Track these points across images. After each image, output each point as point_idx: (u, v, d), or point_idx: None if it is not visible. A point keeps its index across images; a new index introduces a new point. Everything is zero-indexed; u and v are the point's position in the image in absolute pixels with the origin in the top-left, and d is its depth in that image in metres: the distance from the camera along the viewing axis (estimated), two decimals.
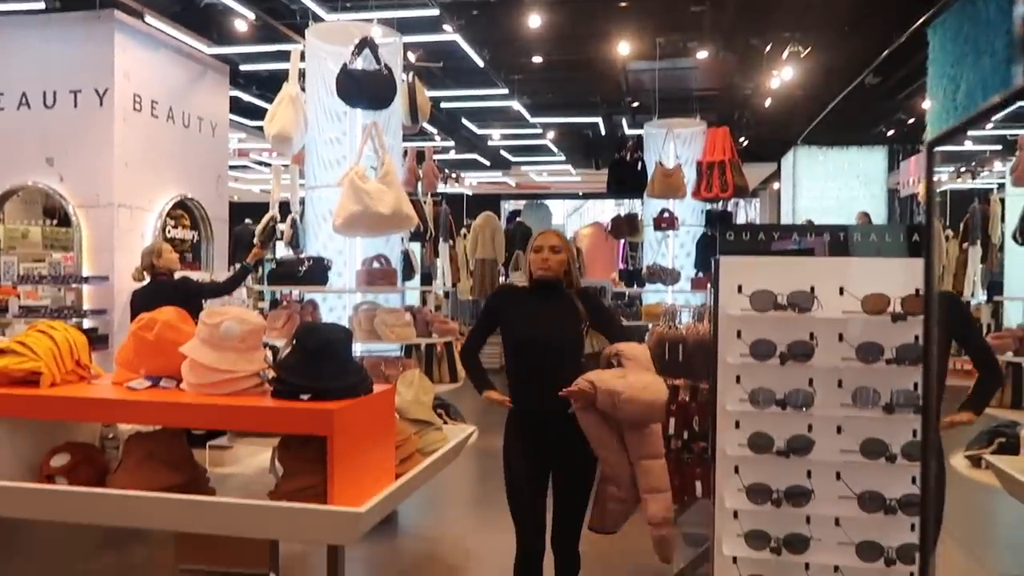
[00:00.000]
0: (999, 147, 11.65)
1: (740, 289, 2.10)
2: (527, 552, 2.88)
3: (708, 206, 9.65)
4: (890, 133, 13.35)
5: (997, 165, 11.33)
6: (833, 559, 1.97)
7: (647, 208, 10.30)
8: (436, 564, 4.32)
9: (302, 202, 5.97)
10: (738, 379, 2.09)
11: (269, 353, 2.45)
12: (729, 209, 10.80)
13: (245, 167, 14.89)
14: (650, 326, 8.07)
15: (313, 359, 2.20)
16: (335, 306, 5.70)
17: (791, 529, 1.99)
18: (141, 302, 4.81)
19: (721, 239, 2.26)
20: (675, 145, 9.30)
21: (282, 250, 7.21)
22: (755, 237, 2.36)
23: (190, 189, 7.05)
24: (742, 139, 13.25)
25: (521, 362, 2.98)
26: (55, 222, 7.03)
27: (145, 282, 5.11)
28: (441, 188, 9.46)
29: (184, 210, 7.13)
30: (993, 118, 8.86)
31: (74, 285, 6.06)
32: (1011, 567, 4.35)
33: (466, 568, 4.30)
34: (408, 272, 6.52)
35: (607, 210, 18.91)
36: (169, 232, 6.87)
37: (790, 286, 2.09)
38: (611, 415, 2.45)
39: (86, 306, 6.05)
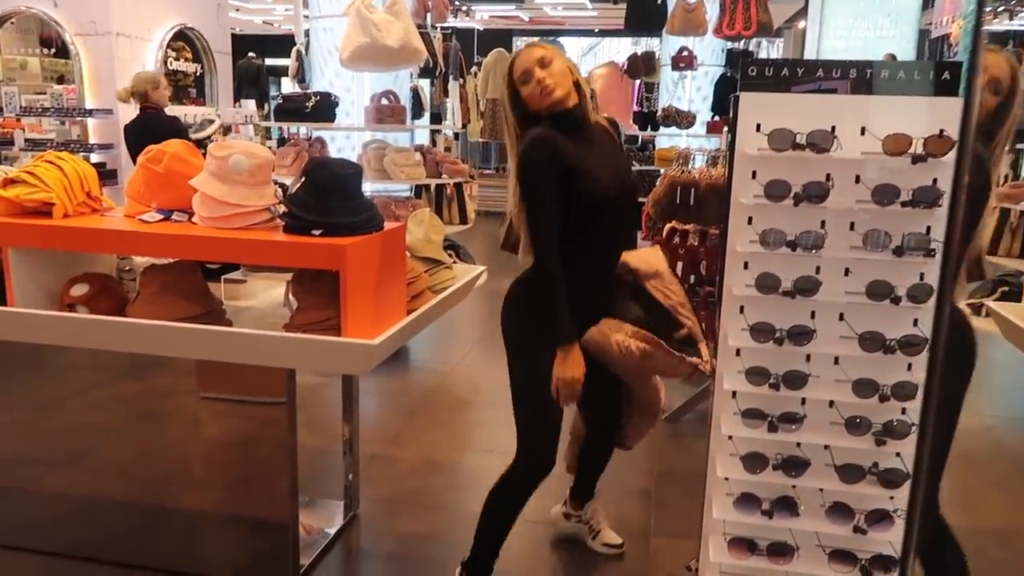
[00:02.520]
0: None
1: (759, 128, 2.04)
2: (540, 476, 2.45)
3: (729, 45, 9.27)
4: None
5: None
6: (829, 395, 2.03)
7: (665, 47, 9.90)
8: (446, 397, 4.52)
9: (307, 34, 5.75)
10: (750, 220, 2.07)
11: (279, 190, 2.44)
12: (751, 48, 10.37)
13: None
14: (662, 171, 7.97)
15: (324, 194, 2.19)
16: (343, 146, 5.62)
17: (791, 367, 2.04)
18: (138, 134, 4.74)
19: (743, 74, 2.17)
20: None
21: (288, 85, 7.01)
22: (778, 73, 2.27)
23: (190, 18, 6.77)
24: None
25: (592, 235, 2.25)
26: (53, 52, 6.82)
27: (135, 115, 4.98)
28: (451, 22, 9.04)
29: (185, 41, 6.89)
30: None
31: (78, 118, 5.97)
32: (1002, 409, 4.52)
33: (474, 401, 4.50)
34: (418, 110, 6.37)
35: (623, 49, 18.15)
36: (171, 64, 6.69)
37: (810, 125, 2.03)
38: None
39: (92, 140, 5.99)
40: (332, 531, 2.91)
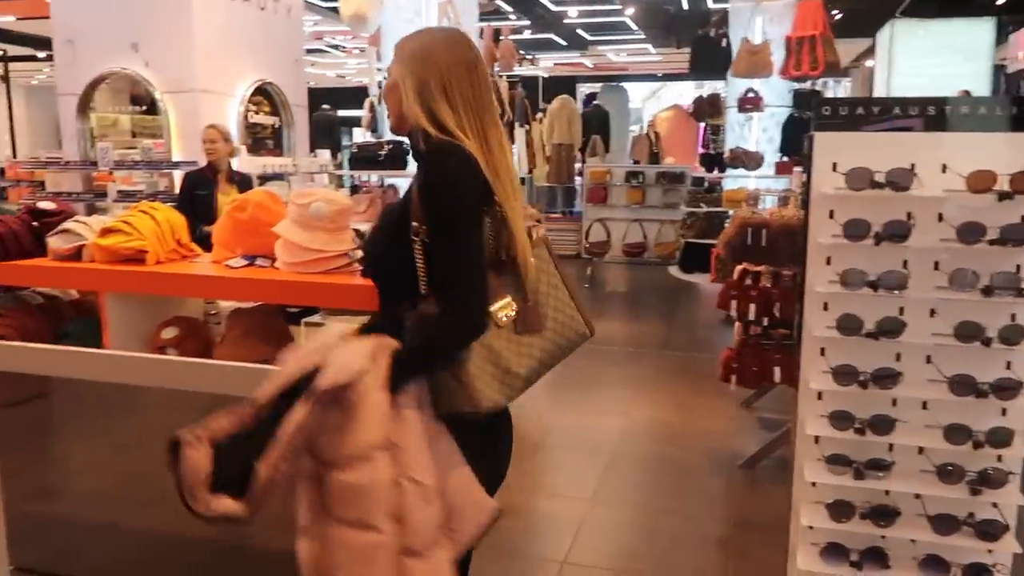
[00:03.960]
0: None
1: (835, 167, 2.02)
2: None
3: (796, 86, 9.20)
4: (999, 2, 12.24)
5: None
6: (918, 441, 1.96)
7: (731, 89, 9.88)
8: (516, 439, 4.48)
9: (380, 85, 5.94)
10: (828, 261, 2.04)
11: (356, 236, 2.51)
12: (818, 88, 10.27)
13: (320, 51, 14.81)
14: (731, 212, 7.91)
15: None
16: None
17: (876, 411, 1.98)
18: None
19: (817, 114, 2.16)
20: (762, 20, 8.80)
21: (360, 135, 7.23)
22: (852, 112, 2.25)
23: (269, 74, 7.09)
24: (835, 12, 12.38)
25: None
26: (143, 109, 7.21)
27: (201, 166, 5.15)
28: (517, 70, 9.24)
29: (264, 96, 7.20)
30: None
31: (166, 170, 6.27)
32: None
33: (544, 444, 4.47)
34: None
35: (686, 93, 18.20)
36: (251, 118, 6.98)
37: (888, 163, 2.00)
38: None
39: (178, 190, 6.27)
40: None
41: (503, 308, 1.58)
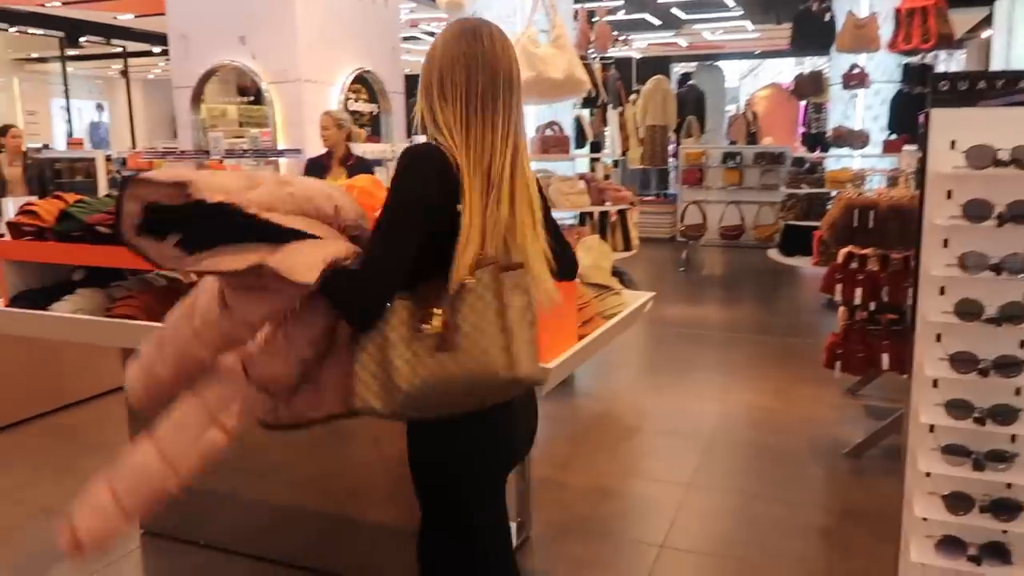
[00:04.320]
0: None
1: (953, 145, 1.92)
2: None
3: (905, 60, 8.75)
4: None
5: None
6: None
7: (834, 64, 9.50)
8: (613, 423, 4.51)
9: None
10: (945, 243, 1.95)
11: None
12: (928, 62, 9.74)
13: (416, 38, 15.03)
14: (834, 193, 7.62)
15: None
16: None
17: (998, 400, 1.89)
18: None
19: (934, 89, 2.06)
20: None
21: None
22: (973, 86, 2.14)
23: (367, 62, 7.26)
24: None
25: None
26: (250, 100, 7.53)
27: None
28: (610, 51, 9.14)
29: (363, 84, 7.38)
30: None
31: (271, 158, 6.53)
32: None
33: (641, 428, 4.46)
34: (580, 139, 6.46)
35: (785, 70, 17.56)
36: (351, 105, 7.17)
37: (1012, 140, 1.89)
38: None
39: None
40: None
41: (434, 316, 1.48)
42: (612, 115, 9.93)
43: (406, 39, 14.05)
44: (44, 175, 7.41)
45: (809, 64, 13.07)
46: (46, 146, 11.30)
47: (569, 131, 5.72)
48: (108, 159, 10.67)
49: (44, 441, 4.21)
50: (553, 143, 5.14)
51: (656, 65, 15.38)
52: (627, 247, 5.80)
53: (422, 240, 1.52)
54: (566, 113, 6.20)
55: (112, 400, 4.64)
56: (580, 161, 8.99)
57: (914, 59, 8.80)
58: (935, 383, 1.94)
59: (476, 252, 1.49)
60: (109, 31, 13.84)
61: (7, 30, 12.51)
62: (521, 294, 1.52)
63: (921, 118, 2.09)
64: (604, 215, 5.59)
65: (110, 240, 2.63)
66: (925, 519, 1.94)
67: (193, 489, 2.87)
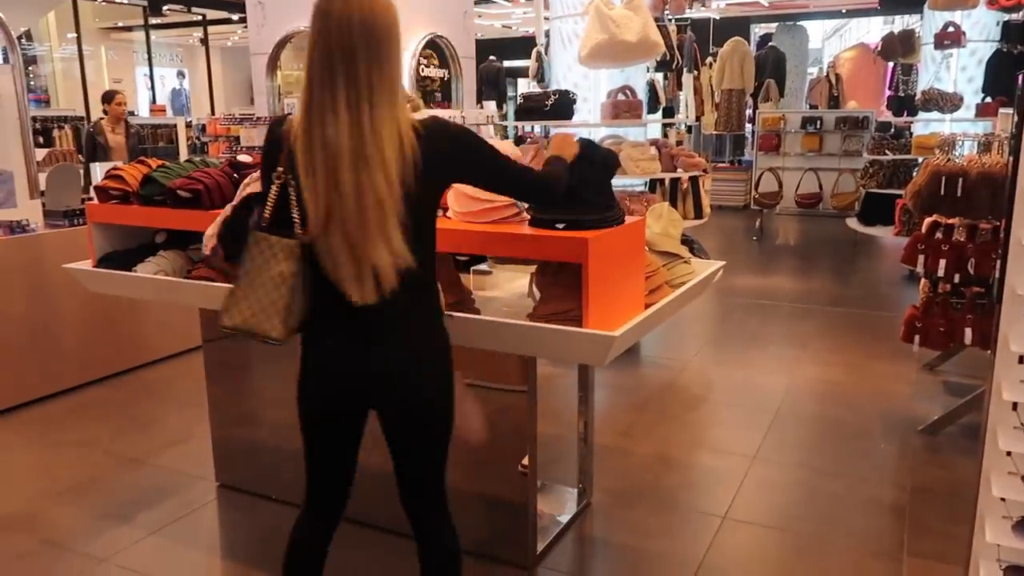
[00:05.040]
0: None
1: None
2: None
3: (1006, 17, 8.24)
4: None
5: None
6: None
7: (927, 23, 9.02)
8: (678, 393, 4.47)
9: (547, 34, 5.93)
10: None
11: None
12: None
13: (488, 1, 14.93)
14: (920, 160, 7.28)
15: (567, 192, 2.25)
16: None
17: None
18: None
19: None
20: None
21: (525, 85, 7.24)
22: None
23: (439, 27, 7.23)
24: None
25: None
26: None
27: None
28: (687, 13, 8.89)
29: (433, 49, 7.37)
30: None
31: None
32: None
33: (707, 398, 4.41)
34: (654, 104, 6.33)
35: (873, 30, 16.75)
36: (422, 71, 7.18)
37: None
38: None
39: None
40: (565, 518, 2.99)
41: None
42: (687, 79, 9.68)
43: (478, 3, 13.97)
44: (144, 142, 7.62)
45: (899, 23, 12.46)
46: (132, 113, 11.71)
47: (642, 95, 5.60)
48: (188, 125, 11.01)
49: (129, 395, 4.43)
50: (625, 108, 5.05)
51: (735, 26, 14.88)
52: (698, 215, 5.68)
53: None
54: (639, 77, 6.07)
55: (191, 358, 4.85)
56: (653, 127, 8.83)
57: (1016, 15, 8.28)
58: (1021, 359, 1.85)
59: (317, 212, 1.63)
60: None
61: (95, 0, 12.94)
62: (289, 262, 1.69)
63: (1021, 78, 1.97)
64: (675, 182, 5.48)
65: (190, 204, 2.73)
66: (1003, 499, 1.86)
67: (266, 445, 2.97)
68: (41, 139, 9.11)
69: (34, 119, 8.00)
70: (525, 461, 2.62)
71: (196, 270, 2.78)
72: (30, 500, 3.22)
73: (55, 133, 9.61)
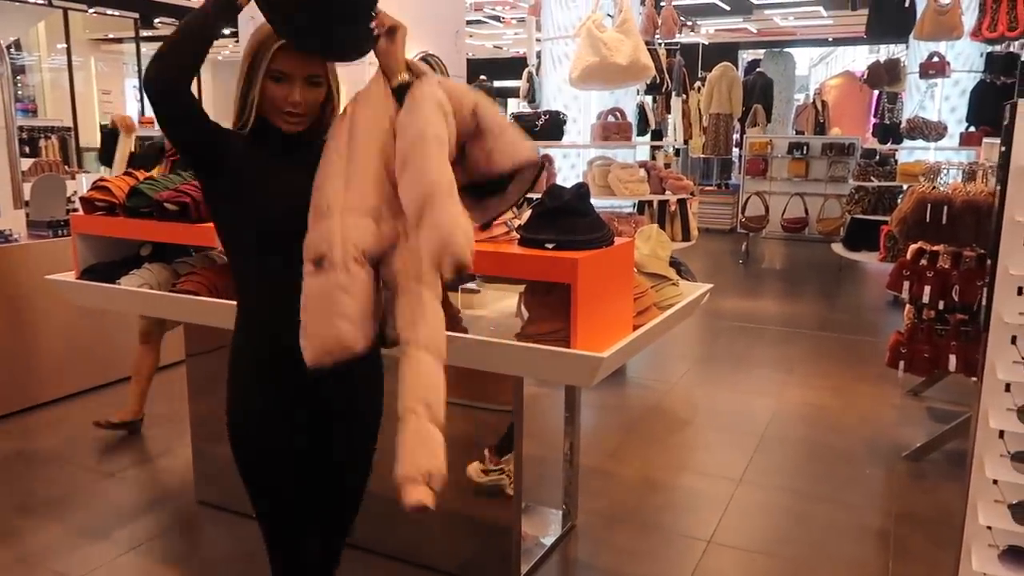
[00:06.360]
0: None
1: None
2: None
3: (989, 49, 8.37)
4: None
5: None
6: None
7: (912, 53, 9.15)
8: (664, 415, 4.46)
9: (538, 55, 5.96)
10: None
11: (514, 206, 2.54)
12: (1015, 51, 9.30)
13: (479, 22, 15.02)
14: (905, 187, 7.35)
15: (556, 214, 2.25)
16: (576, 163, 5.75)
17: None
18: None
19: (1021, 79, 1.95)
20: None
21: (514, 105, 7.27)
22: None
23: (431, 46, 7.26)
24: None
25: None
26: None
27: None
28: (676, 37, 8.97)
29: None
30: None
31: None
32: None
33: (692, 421, 4.40)
34: (643, 126, 6.37)
35: (858, 58, 16.98)
36: None
37: None
38: None
39: None
40: (549, 540, 2.97)
41: None
42: (676, 102, 9.76)
43: (470, 23, 14.05)
44: (160, 155, 7.49)
45: (885, 52, 12.63)
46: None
47: (631, 118, 5.63)
48: None
49: (110, 409, 4.37)
50: (615, 130, 5.07)
51: (723, 51, 15.05)
52: (686, 237, 5.70)
53: None
54: (629, 99, 6.11)
55: (173, 373, 4.79)
56: (641, 148, 8.88)
57: (999, 48, 8.41)
58: (1007, 387, 1.86)
59: None
60: (182, 12, 14.19)
61: (86, 11, 12.92)
62: None
63: (1007, 109, 1.99)
64: (663, 204, 5.50)
65: (177, 217, 2.70)
66: (989, 527, 1.86)
67: None
68: (27, 149, 9.04)
69: (20, 128, 7.93)
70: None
71: (181, 283, 2.76)
72: (5, 515, 3.16)
73: (41, 143, 9.54)
